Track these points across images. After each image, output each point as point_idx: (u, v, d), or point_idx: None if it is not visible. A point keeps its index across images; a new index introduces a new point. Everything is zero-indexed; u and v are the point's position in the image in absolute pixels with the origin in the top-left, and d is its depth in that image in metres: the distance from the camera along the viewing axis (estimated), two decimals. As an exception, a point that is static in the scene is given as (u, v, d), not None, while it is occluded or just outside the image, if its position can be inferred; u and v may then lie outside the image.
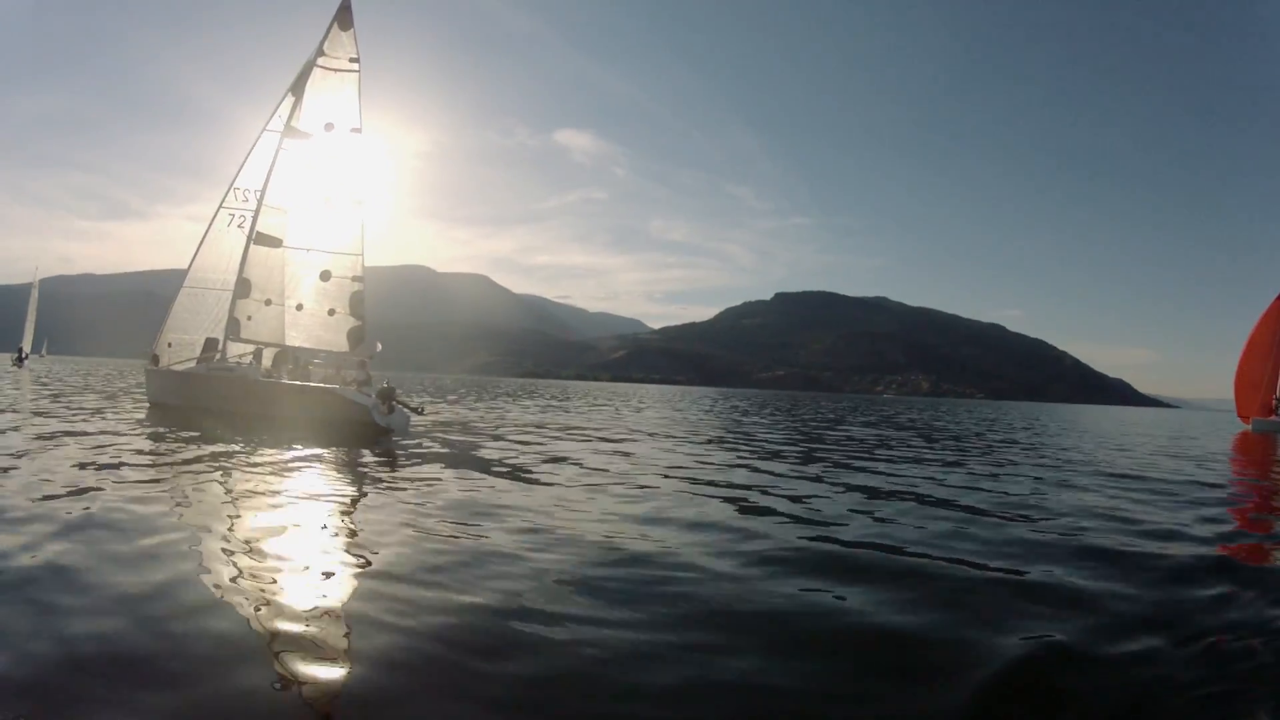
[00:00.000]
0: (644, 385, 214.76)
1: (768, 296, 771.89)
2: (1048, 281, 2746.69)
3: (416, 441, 13.99)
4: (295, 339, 18.96)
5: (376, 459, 11.35)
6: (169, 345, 20.91)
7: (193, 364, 20.19)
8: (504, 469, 10.65)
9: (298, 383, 17.64)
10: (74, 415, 16.14)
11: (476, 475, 9.86)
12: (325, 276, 18.80)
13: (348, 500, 7.91)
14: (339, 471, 9.98)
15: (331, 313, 18.70)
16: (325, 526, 6.57)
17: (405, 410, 16.09)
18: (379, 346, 18.90)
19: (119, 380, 39.51)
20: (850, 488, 10.29)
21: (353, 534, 6.34)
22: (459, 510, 7.33)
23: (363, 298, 18.69)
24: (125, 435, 12.72)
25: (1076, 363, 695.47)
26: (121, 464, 9.45)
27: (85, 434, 12.61)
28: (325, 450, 12.02)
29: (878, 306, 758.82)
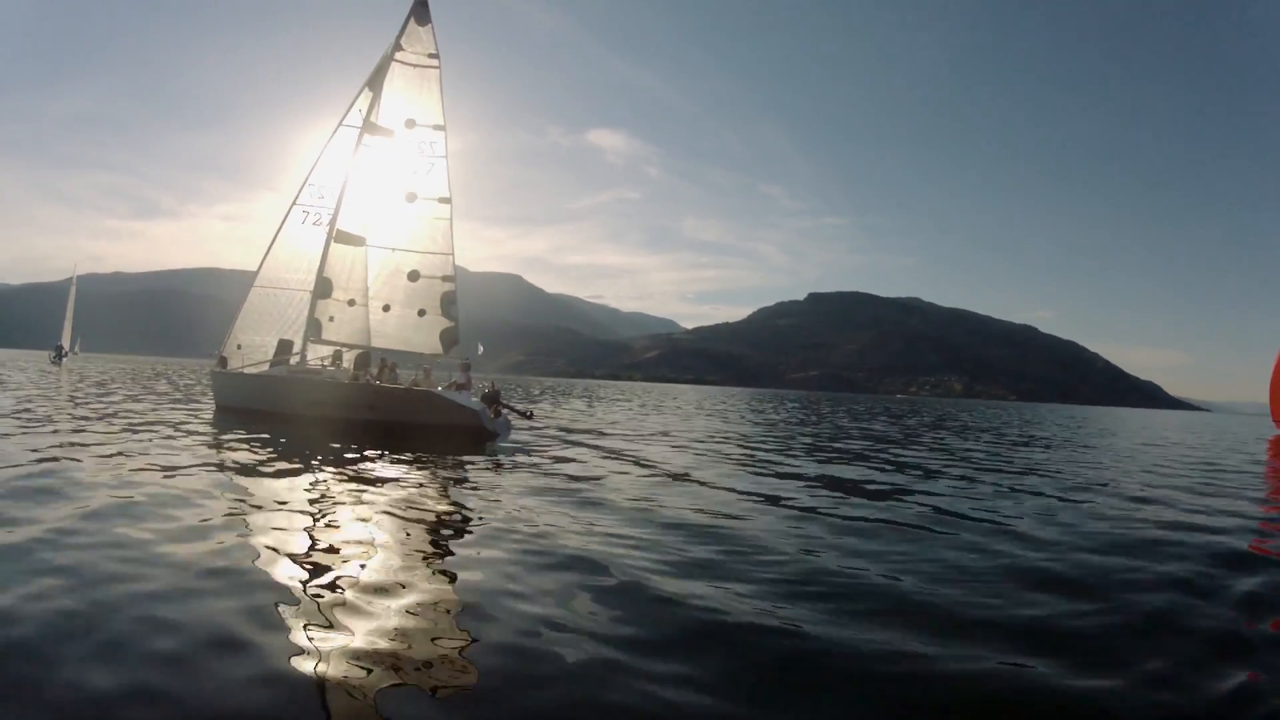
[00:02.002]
0: (677, 385, 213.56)
1: (801, 296, 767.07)
2: (1078, 282, 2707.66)
3: (527, 447, 13.24)
4: (382, 341, 18.28)
5: (513, 468, 10.49)
6: (238, 347, 20.07)
7: (264, 367, 19.60)
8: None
9: (400, 387, 17.00)
10: (147, 420, 15.72)
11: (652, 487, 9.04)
12: (413, 276, 18.13)
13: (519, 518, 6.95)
14: (469, 479, 9.09)
15: (422, 314, 18.04)
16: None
17: (507, 415, 15.49)
18: (481, 349, 18.25)
19: (166, 381, 39.49)
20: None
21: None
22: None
23: (455, 298, 18.01)
24: (206, 440, 12.19)
25: (1107, 364, 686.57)
26: (233, 476, 8.91)
27: (173, 440, 12.11)
28: (442, 457, 11.35)
29: (910, 307, 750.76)
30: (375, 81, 19.70)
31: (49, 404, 18.96)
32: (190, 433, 13.51)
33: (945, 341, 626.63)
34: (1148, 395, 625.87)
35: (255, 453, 11.11)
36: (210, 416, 17.43)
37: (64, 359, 65.11)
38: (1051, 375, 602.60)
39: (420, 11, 19.67)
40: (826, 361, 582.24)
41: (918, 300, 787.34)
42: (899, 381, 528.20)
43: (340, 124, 19.96)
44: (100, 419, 15.21)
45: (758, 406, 50.14)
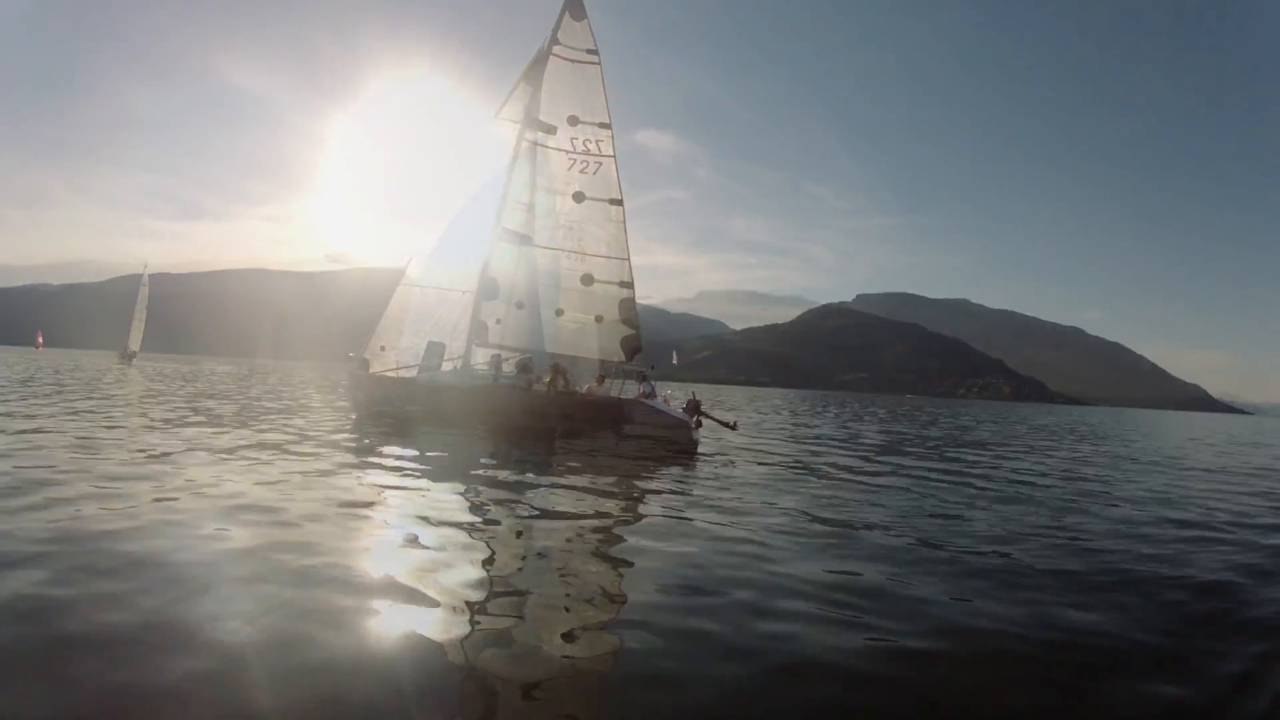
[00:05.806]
0: (726, 386, 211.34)
1: (849, 297, 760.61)
2: (1126, 283, 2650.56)
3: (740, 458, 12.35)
4: (556, 346, 17.66)
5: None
6: (381, 349, 18.91)
7: (413, 370, 18.81)
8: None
9: (603, 395, 16.55)
10: (309, 430, 15.27)
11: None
12: (587, 280, 17.53)
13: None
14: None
15: (599, 319, 17.42)
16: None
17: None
18: (675, 359, 17.68)
19: (260, 386, 39.59)
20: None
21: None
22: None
23: (634, 304, 17.35)
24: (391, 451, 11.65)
25: (1154, 367, 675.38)
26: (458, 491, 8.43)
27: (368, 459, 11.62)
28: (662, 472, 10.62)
29: (959, 309, 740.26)
30: (532, 76, 19.08)
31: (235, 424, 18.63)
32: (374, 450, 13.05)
33: (993, 343, 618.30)
34: (1192, 398, 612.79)
35: (507, 472, 10.56)
36: (356, 421, 16.73)
37: (133, 360, 65.33)
38: (1099, 377, 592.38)
39: (575, 7, 19.06)
40: (875, 363, 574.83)
41: (966, 301, 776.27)
42: (947, 384, 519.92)
43: (496, 117, 19.27)
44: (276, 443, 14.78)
45: (875, 412, 48.65)
